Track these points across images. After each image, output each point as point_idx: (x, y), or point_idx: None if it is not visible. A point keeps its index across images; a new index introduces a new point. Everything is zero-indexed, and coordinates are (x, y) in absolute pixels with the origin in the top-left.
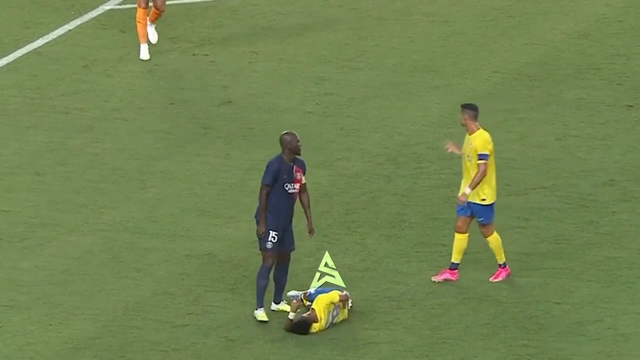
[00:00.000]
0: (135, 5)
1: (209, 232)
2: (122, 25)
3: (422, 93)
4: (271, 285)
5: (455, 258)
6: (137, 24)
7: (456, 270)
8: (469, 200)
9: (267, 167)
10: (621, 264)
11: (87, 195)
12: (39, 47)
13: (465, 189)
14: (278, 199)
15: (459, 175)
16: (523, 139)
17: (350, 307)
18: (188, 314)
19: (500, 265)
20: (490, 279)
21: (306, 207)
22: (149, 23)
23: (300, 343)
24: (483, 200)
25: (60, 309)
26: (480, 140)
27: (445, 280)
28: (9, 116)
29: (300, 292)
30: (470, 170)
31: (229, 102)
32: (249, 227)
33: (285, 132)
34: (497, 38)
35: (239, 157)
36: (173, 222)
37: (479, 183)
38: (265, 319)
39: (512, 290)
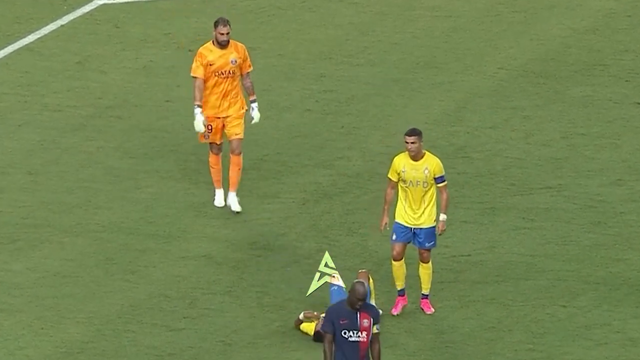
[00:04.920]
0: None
1: (205, 233)
2: (116, 20)
3: (424, 90)
4: None
5: (401, 284)
6: (211, 169)
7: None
8: (422, 226)
9: (326, 313)
10: (629, 266)
11: (80, 195)
12: (31, 43)
13: (441, 215)
14: (338, 348)
15: (462, 175)
16: (528, 137)
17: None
18: (184, 317)
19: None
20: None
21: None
22: (230, 191)
23: (299, 347)
24: (435, 220)
25: (53, 312)
26: (435, 162)
27: (404, 307)
28: (0, 114)
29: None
30: (421, 196)
31: None
32: (246, 228)
33: (357, 280)
34: (501, 33)
35: None
36: (169, 222)
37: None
38: None
39: (517, 293)
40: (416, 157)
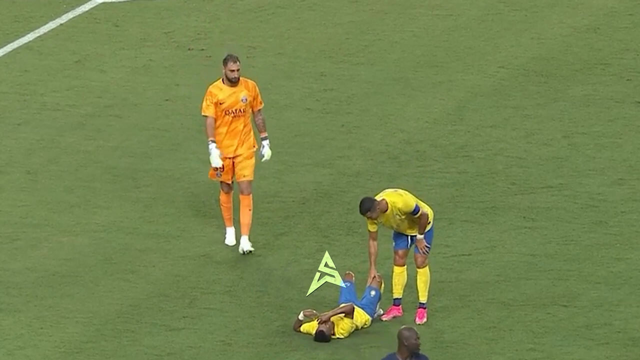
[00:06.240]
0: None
1: (205, 232)
2: (115, 19)
3: (425, 89)
4: None
5: (398, 292)
6: (221, 207)
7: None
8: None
9: None
10: (631, 265)
11: (79, 195)
12: (30, 42)
13: (417, 236)
14: None
15: (463, 174)
16: (529, 136)
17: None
18: (184, 317)
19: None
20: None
21: None
22: (243, 235)
23: (299, 347)
24: (428, 223)
25: (52, 311)
26: (400, 203)
27: (394, 317)
28: None
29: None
30: (408, 224)
31: None
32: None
33: (403, 326)
34: (502, 32)
35: None
36: (168, 222)
37: (426, 225)
38: None
39: (518, 293)
40: (383, 212)
